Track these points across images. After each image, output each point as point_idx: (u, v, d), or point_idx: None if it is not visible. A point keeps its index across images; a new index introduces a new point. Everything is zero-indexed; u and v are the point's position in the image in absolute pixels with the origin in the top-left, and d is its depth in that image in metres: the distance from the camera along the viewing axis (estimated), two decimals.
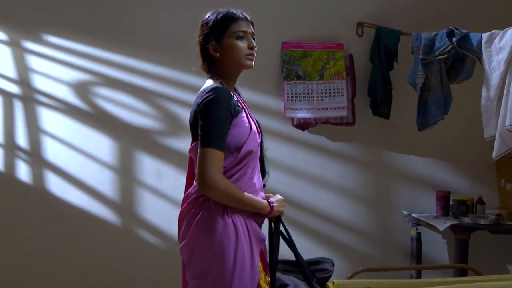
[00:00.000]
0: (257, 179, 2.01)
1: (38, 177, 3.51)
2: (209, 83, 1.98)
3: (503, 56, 3.01)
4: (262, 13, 3.69)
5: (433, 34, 3.37)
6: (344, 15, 3.77)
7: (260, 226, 2.02)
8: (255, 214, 1.98)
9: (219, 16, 2.00)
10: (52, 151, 3.52)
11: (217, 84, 1.94)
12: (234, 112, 1.90)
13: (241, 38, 1.98)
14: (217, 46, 1.98)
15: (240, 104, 1.99)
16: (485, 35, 3.14)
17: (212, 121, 1.86)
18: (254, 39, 2.03)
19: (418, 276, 3.67)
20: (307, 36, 3.73)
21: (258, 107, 3.67)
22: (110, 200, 3.55)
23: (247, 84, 3.65)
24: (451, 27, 3.25)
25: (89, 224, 3.52)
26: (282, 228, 2.07)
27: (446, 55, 3.28)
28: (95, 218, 3.53)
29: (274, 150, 3.51)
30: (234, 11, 2.01)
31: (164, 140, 3.61)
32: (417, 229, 3.68)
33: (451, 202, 3.61)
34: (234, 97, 1.97)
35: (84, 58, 3.54)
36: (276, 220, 2.04)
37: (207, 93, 1.89)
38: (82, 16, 3.55)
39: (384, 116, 3.74)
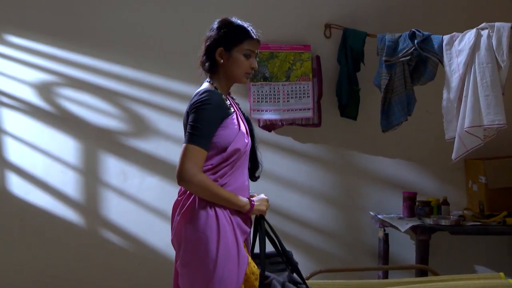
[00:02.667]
0: (243, 177, 2.10)
1: None
2: (204, 85, 2.10)
3: (462, 58, 3.03)
4: (229, 14, 3.67)
5: (397, 35, 3.39)
6: (312, 16, 3.77)
7: (246, 221, 2.09)
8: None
9: (237, 28, 2.11)
10: (15, 152, 3.50)
11: (211, 88, 2.07)
12: (224, 115, 2.02)
13: (247, 56, 2.10)
14: (224, 54, 2.09)
15: (233, 107, 2.11)
16: (446, 38, 3.17)
17: (200, 121, 1.97)
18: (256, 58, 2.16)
19: (385, 276, 3.69)
20: (274, 37, 3.72)
21: None
22: (74, 201, 3.54)
23: None
24: (413, 29, 3.28)
25: (53, 225, 3.51)
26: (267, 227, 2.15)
27: (409, 57, 3.30)
28: (59, 219, 3.51)
29: None
30: (251, 29, 2.12)
31: (129, 141, 3.60)
32: (384, 230, 3.70)
33: (416, 203, 3.63)
34: (228, 101, 2.10)
35: (47, 59, 3.52)
36: (259, 218, 2.11)
37: (200, 95, 2.02)
38: (45, 16, 3.52)
39: (351, 117, 3.75)
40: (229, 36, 2.09)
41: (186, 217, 1.99)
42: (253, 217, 2.13)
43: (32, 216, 3.48)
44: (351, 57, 3.67)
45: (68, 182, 3.52)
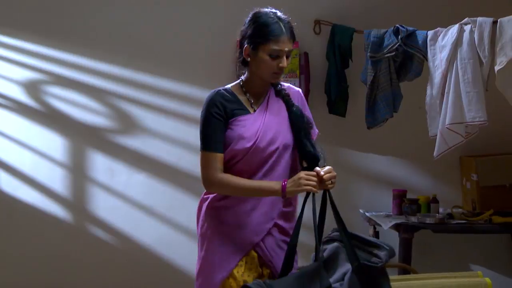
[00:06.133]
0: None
1: None
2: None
3: (444, 54, 3.00)
4: (217, 10, 3.70)
5: (382, 31, 3.35)
6: (302, 12, 3.71)
7: (264, 221, 2.02)
8: (248, 214, 2.01)
9: (263, 26, 1.98)
10: (2, 149, 3.55)
11: (229, 86, 2.06)
12: (226, 115, 1.99)
13: (274, 56, 1.97)
14: (251, 52, 2.00)
15: (250, 106, 2.03)
16: (430, 33, 3.13)
17: (202, 125, 2.01)
18: (289, 55, 2.01)
19: None
20: None
21: None
22: (61, 198, 3.58)
23: (200, 81, 3.70)
24: (397, 25, 3.24)
25: (41, 221, 3.55)
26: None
27: (394, 53, 3.27)
28: (47, 215, 3.55)
29: None
30: (280, 25, 1.98)
31: (116, 138, 3.64)
32: (375, 228, 3.67)
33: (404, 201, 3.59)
34: (240, 98, 2.03)
35: (35, 57, 3.57)
36: (323, 194, 2.01)
37: (206, 97, 2.04)
38: (33, 15, 3.57)
39: (340, 114, 3.73)
40: (255, 34, 1.97)
41: (197, 227, 2.11)
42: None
43: (20, 212, 3.53)
44: (339, 53, 3.65)
45: (56, 178, 3.57)
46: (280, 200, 2.02)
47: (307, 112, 2.14)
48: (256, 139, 1.99)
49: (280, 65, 1.98)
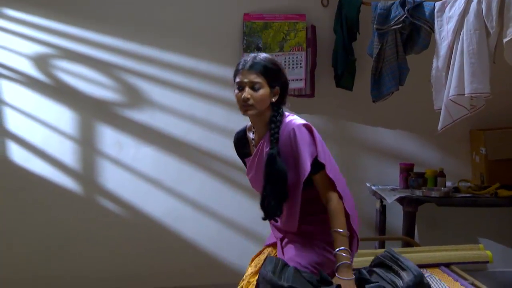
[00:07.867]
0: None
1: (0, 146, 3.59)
2: None
3: (451, 25, 2.94)
4: None
5: (389, 3, 3.30)
6: None
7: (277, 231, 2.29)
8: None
9: (236, 65, 2.18)
10: (14, 122, 3.59)
11: (238, 130, 2.36)
12: (240, 155, 2.34)
13: (239, 88, 2.11)
14: None
15: (252, 147, 2.24)
16: (437, 4, 3.07)
17: None
18: (258, 88, 2.07)
19: (382, 247, 3.69)
20: (270, 7, 3.70)
21: (217, 79, 3.71)
22: (71, 170, 3.63)
23: (208, 55, 3.71)
24: None
25: (51, 193, 3.61)
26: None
27: (400, 25, 3.22)
28: (57, 187, 3.61)
29: (234, 122, 3.52)
30: (247, 59, 2.12)
31: (125, 111, 3.67)
32: (382, 202, 3.68)
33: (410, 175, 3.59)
34: (249, 139, 2.27)
35: (44, 32, 3.58)
36: None
37: None
38: None
39: (347, 88, 3.71)
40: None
41: None
42: None
43: (31, 183, 3.59)
44: (346, 26, 3.61)
45: (66, 151, 3.62)
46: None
47: (303, 151, 2.03)
48: (251, 179, 2.30)
49: (242, 96, 2.07)
